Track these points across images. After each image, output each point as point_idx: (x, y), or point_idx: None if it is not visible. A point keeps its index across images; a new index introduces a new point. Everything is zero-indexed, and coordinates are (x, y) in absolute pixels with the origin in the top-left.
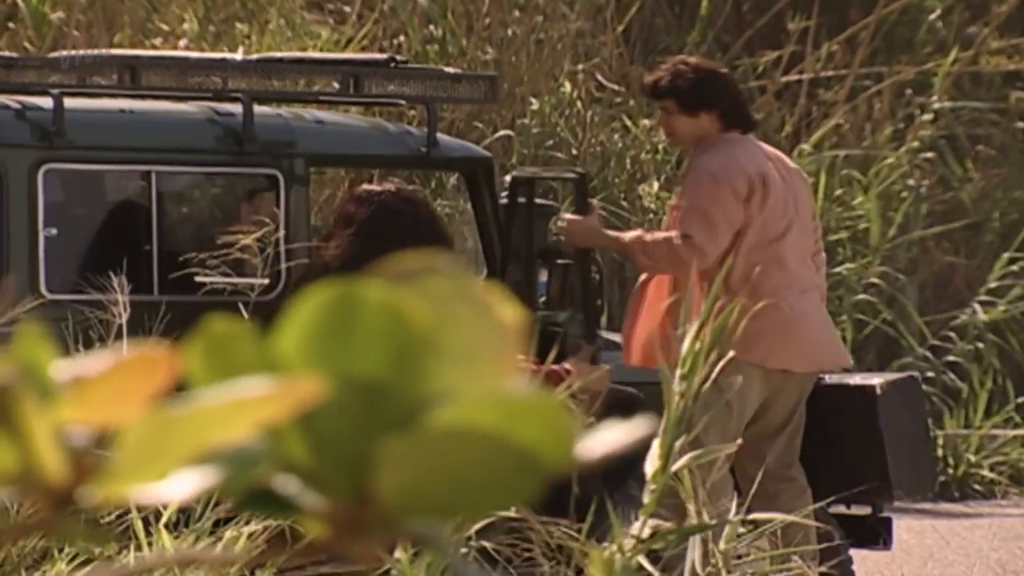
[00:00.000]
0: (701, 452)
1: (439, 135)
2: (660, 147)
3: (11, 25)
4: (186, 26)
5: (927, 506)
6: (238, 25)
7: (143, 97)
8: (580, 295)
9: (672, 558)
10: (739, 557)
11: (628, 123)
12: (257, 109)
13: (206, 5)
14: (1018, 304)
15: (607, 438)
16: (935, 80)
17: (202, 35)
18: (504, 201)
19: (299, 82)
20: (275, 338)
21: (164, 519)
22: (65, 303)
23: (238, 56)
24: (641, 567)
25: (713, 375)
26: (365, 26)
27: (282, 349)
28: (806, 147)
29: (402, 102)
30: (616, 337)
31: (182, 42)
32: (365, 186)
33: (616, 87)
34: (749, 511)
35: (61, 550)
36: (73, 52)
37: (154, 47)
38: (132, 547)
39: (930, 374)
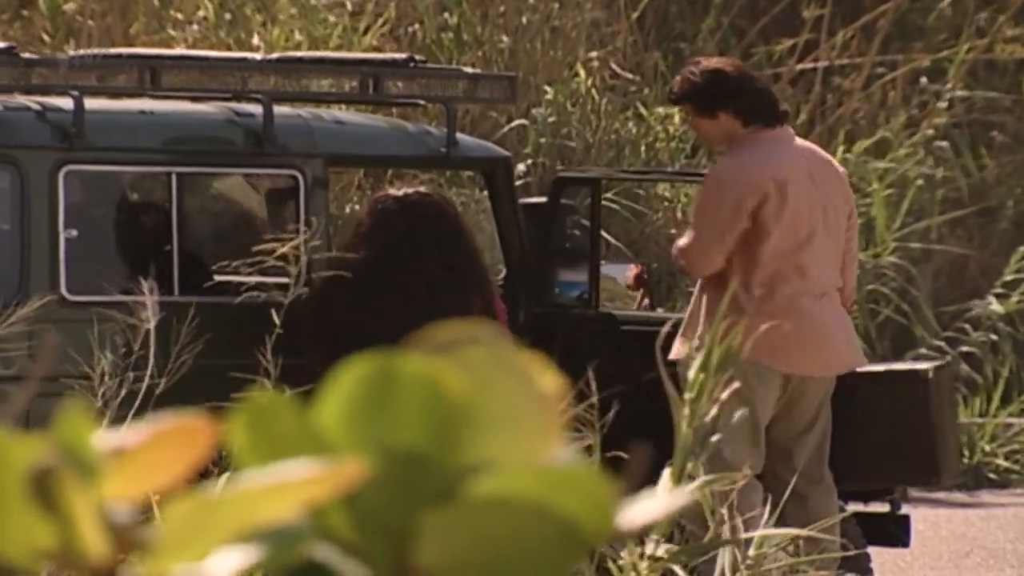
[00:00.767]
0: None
1: (458, 134)
2: (675, 135)
3: (24, 13)
4: (201, 13)
5: (941, 495)
6: (249, 13)
7: (163, 97)
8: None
9: (703, 566)
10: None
11: (643, 111)
12: (277, 109)
13: None
14: None
15: (647, 507)
16: (950, 68)
17: (217, 23)
18: (545, 200)
19: (318, 82)
20: (316, 410)
21: None
22: (85, 305)
23: (257, 56)
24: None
25: (724, 394)
26: (381, 15)
27: (323, 421)
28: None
29: (421, 102)
30: None
31: (195, 27)
32: (393, 189)
33: (630, 76)
34: (781, 514)
35: None
36: (93, 51)
37: (170, 37)
38: None
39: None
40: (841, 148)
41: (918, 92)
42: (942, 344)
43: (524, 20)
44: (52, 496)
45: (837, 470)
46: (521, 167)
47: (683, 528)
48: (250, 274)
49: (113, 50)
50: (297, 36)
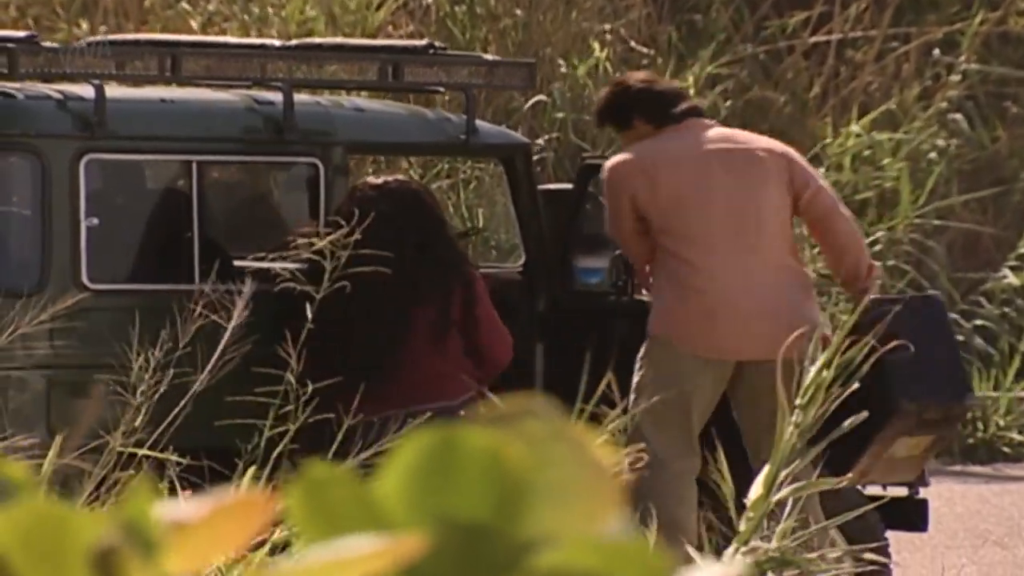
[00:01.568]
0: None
1: (477, 121)
2: None
3: None
4: None
5: (957, 467)
6: None
7: (183, 84)
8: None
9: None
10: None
11: None
12: (296, 97)
13: None
14: None
15: None
16: (963, 40)
17: None
18: (572, 187)
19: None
20: (375, 483)
21: None
22: (107, 293)
23: (277, 42)
24: None
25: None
26: None
27: (383, 494)
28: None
29: (440, 89)
30: None
31: (209, 5)
32: (374, 177)
33: (644, 49)
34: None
35: None
36: (110, 37)
37: (185, 11)
38: None
39: (960, 337)
40: (855, 120)
41: (931, 64)
42: (956, 317)
43: None
44: (114, 574)
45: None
46: (539, 142)
47: None
48: (278, 264)
49: (131, 36)
50: (311, 11)
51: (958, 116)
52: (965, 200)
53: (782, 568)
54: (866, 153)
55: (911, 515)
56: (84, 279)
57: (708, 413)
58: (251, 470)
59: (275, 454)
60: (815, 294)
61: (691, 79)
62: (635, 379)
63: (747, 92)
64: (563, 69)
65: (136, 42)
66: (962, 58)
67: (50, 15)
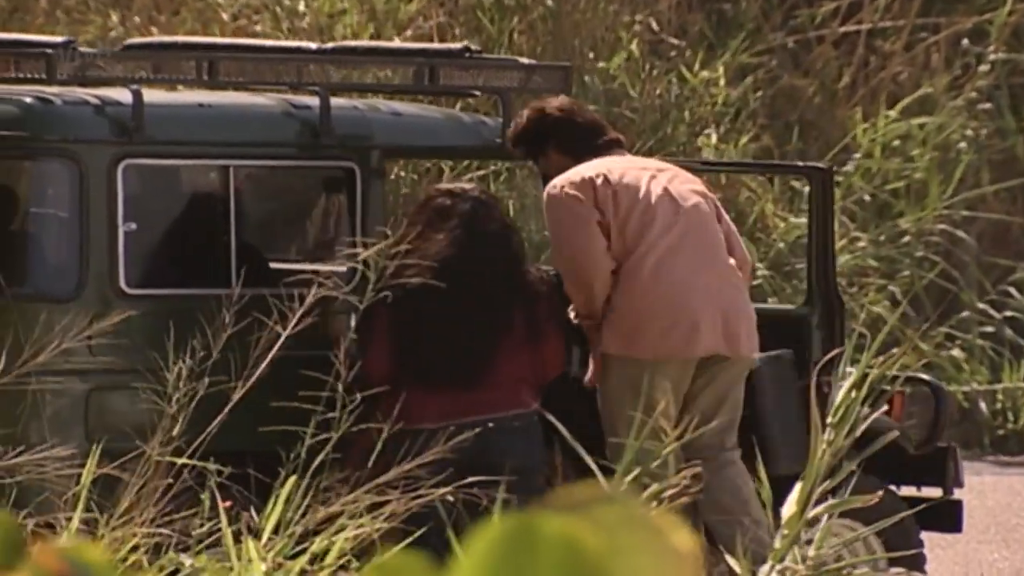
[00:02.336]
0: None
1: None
2: (718, 98)
3: None
4: None
5: (989, 458)
6: None
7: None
8: None
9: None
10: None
11: (687, 74)
12: (333, 101)
13: None
14: None
15: None
16: (991, 30)
17: None
18: None
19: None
20: (452, 570)
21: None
22: (144, 298)
23: (313, 45)
24: None
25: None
26: None
27: None
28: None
29: (477, 93)
30: None
31: None
32: (451, 183)
33: (675, 40)
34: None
35: None
36: (148, 40)
37: (216, 3)
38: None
39: (989, 328)
40: (883, 110)
41: (960, 54)
42: (986, 307)
43: None
44: None
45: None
46: None
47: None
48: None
49: (168, 38)
50: (342, 3)
51: (987, 106)
52: (995, 190)
53: None
54: (896, 144)
55: (945, 516)
56: (121, 284)
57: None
58: (292, 479)
59: (316, 462)
60: None
61: (721, 69)
62: (608, 406)
63: (776, 82)
64: (597, 62)
65: (172, 45)
66: (991, 48)
67: (81, 7)
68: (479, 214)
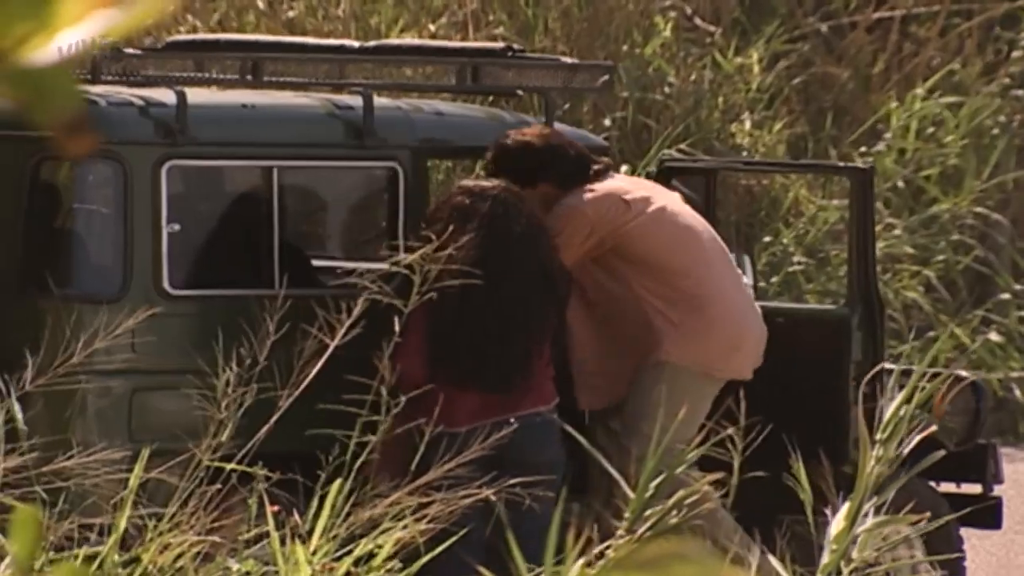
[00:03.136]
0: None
1: (556, 124)
2: (752, 85)
3: None
4: None
5: None
6: None
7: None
8: None
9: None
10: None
11: (720, 60)
12: (376, 101)
13: None
14: None
15: None
16: None
17: None
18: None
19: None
20: None
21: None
22: (188, 299)
23: (355, 43)
24: None
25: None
26: None
27: None
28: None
29: (519, 93)
30: None
31: None
32: (472, 181)
33: (711, 27)
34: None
35: None
36: (190, 37)
37: None
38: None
39: None
40: (918, 95)
41: (993, 40)
42: (1022, 289)
43: None
44: None
45: None
46: (607, 122)
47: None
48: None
49: (211, 36)
50: None
51: (1021, 92)
52: None
53: None
54: (929, 130)
55: (985, 513)
56: (165, 285)
57: None
58: (338, 483)
59: (359, 463)
60: None
61: (755, 55)
62: (648, 409)
63: (810, 68)
64: (632, 49)
65: (216, 43)
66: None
67: None
68: (503, 214)
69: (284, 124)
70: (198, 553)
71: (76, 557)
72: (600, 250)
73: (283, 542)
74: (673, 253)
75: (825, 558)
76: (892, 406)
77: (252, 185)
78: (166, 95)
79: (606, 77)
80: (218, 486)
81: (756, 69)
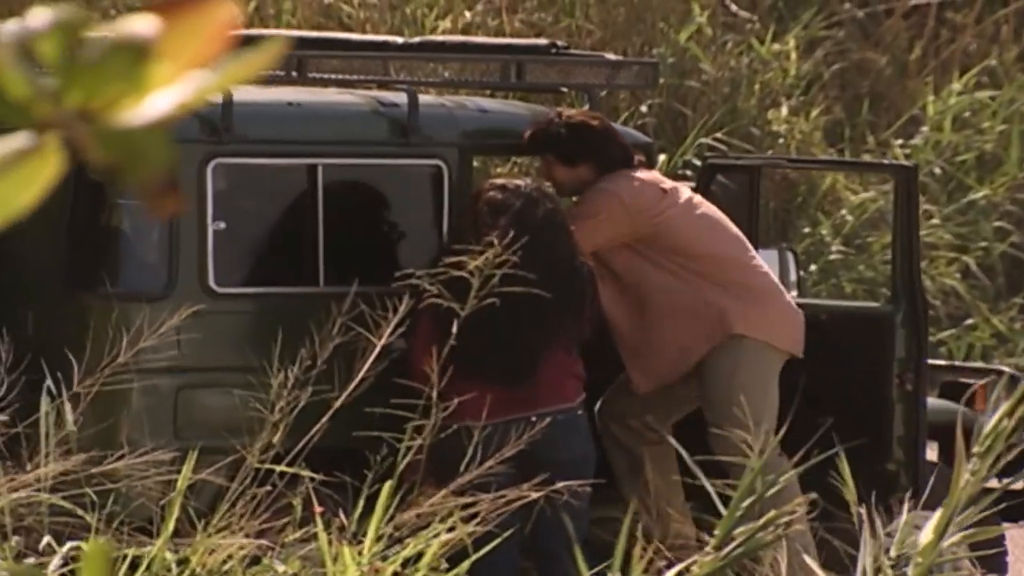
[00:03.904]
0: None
1: None
2: (789, 71)
3: None
4: None
5: None
6: None
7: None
8: None
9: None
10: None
11: (757, 47)
12: (420, 98)
13: None
14: None
15: None
16: None
17: None
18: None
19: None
20: None
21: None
22: (233, 297)
23: (399, 39)
24: None
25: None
26: None
27: None
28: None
29: (564, 90)
30: None
31: None
32: (501, 179)
33: (746, 13)
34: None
35: None
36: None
37: None
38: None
39: None
40: (955, 82)
41: None
42: None
43: None
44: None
45: None
46: (643, 108)
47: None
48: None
49: (253, 31)
50: None
51: None
52: None
53: None
54: (966, 115)
55: None
56: (211, 283)
57: None
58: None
59: (402, 466)
60: None
61: (792, 42)
62: (732, 393)
63: (847, 54)
64: (669, 34)
65: (259, 39)
66: None
67: None
68: (530, 210)
69: (329, 122)
70: (246, 556)
71: (124, 557)
72: (635, 237)
73: (329, 543)
74: (713, 239)
75: (911, 572)
76: (994, 417)
77: (297, 183)
78: None
79: (650, 74)
80: (267, 488)
81: (793, 56)
